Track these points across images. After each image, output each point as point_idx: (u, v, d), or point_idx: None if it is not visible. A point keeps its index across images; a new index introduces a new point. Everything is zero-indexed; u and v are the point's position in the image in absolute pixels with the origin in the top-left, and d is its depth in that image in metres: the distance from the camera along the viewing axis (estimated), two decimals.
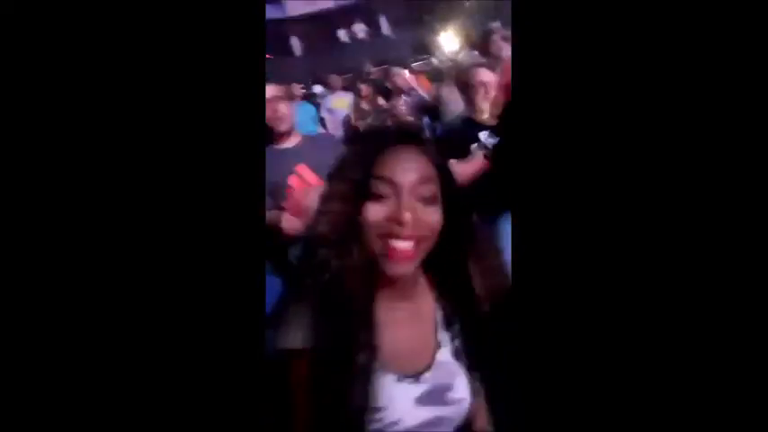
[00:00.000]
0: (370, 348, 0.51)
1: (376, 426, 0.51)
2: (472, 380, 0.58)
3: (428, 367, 0.55)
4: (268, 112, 1.40)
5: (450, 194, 0.53)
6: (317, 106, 3.25)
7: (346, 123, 2.87)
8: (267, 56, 1.49)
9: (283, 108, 1.40)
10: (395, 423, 0.52)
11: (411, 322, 0.56)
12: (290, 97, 1.54)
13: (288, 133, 1.42)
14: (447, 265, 0.56)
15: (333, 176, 0.54)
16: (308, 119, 2.83)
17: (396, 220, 0.49)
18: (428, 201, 0.51)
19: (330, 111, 3.15)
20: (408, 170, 0.51)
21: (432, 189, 0.51)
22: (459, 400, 0.56)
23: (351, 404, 0.49)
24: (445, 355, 0.57)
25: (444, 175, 0.53)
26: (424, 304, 0.59)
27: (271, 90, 1.40)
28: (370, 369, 0.51)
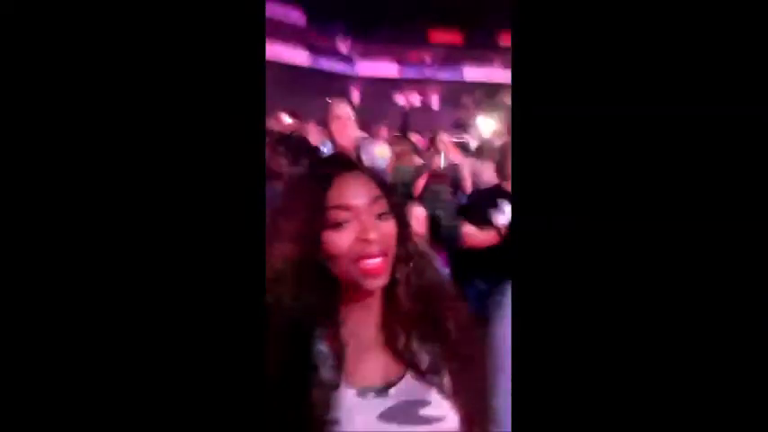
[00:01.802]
0: (334, 361, 0.52)
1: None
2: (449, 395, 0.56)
3: (397, 381, 0.54)
4: (335, 126, 1.51)
5: (395, 205, 0.57)
6: (358, 152, 3.44)
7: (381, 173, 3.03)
8: (327, 99, 1.65)
9: (351, 125, 1.53)
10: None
11: (380, 334, 0.57)
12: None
13: (347, 150, 1.55)
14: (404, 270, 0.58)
15: (282, 216, 0.55)
16: None
17: (363, 240, 0.52)
18: (383, 216, 0.54)
19: (371, 156, 3.32)
20: (359, 193, 0.54)
21: (382, 205, 0.55)
22: (435, 419, 0.54)
23: (307, 416, 0.49)
24: (418, 368, 0.56)
25: (384, 188, 0.57)
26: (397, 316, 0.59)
27: (343, 107, 1.52)
28: (331, 381, 0.51)
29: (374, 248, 0.52)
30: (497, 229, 1.79)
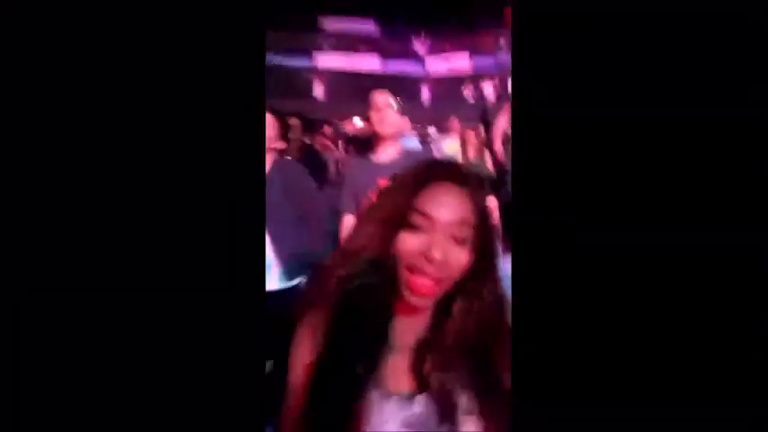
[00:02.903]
0: (371, 361, 0.51)
1: None
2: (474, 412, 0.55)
3: (424, 389, 0.54)
4: (375, 117, 1.53)
5: (484, 238, 0.54)
6: (426, 146, 3.46)
7: None
8: (395, 97, 1.65)
9: (392, 114, 1.50)
10: None
11: (416, 351, 0.56)
12: (402, 117, 1.69)
13: (389, 140, 1.52)
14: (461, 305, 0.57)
15: (379, 198, 0.56)
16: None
17: (426, 255, 0.50)
18: (460, 241, 0.52)
19: (438, 150, 3.32)
20: (447, 207, 0.52)
21: (466, 231, 0.52)
22: None
23: (335, 412, 0.50)
24: (434, 393, 0.54)
25: (482, 219, 0.54)
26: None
27: (388, 98, 1.55)
28: (365, 382, 0.51)
29: (431, 268, 0.50)
30: None
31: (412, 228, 0.52)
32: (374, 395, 0.52)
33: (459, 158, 3.07)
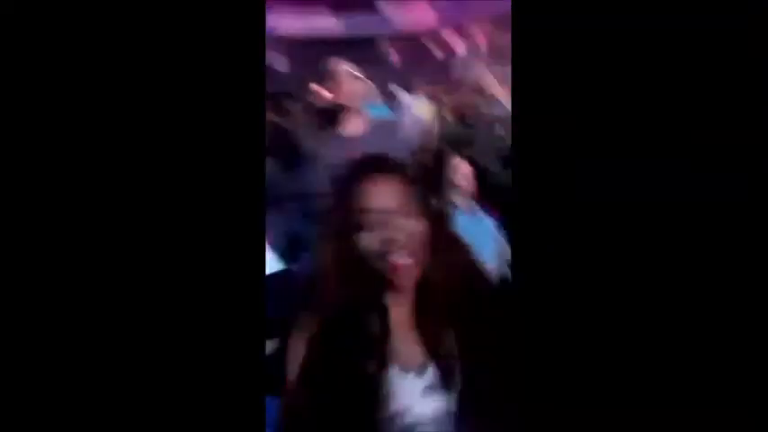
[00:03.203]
0: (382, 343, 0.56)
1: (385, 415, 0.55)
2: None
3: (431, 364, 0.58)
4: (334, 87, 1.42)
5: (427, 203, 0.59)
6: (396, 111, 3.30)
7: (425, 130, 2.87)
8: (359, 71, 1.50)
9: (352, 83, 1.38)
10: (403, 412, 0.56)
11: (414, 320, 0.60)
12: (364, 84, 1.55)
13: (355, 111, 1.42)
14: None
15: (325, 217, 0.61)
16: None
17: (390, 243, 0.55)
18: (412, 216, 0.57)
19: (410, 115, 3.19)
20: (387, 196, 0.56)
21: (412, 205, 0.57)
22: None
23: (362, 394, 0.54)
24: (447, 349, 0.59)
25: (418, 188, 0.59)
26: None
27: (344, 66, 1.43)
28: (380, 361, 0.55)
29: (401, 248, 0.55)
30: None
31: (365, 227, 0.56)
32: (392, 373, 0.56)
33: (434, 120, 2.95)
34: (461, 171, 1.79)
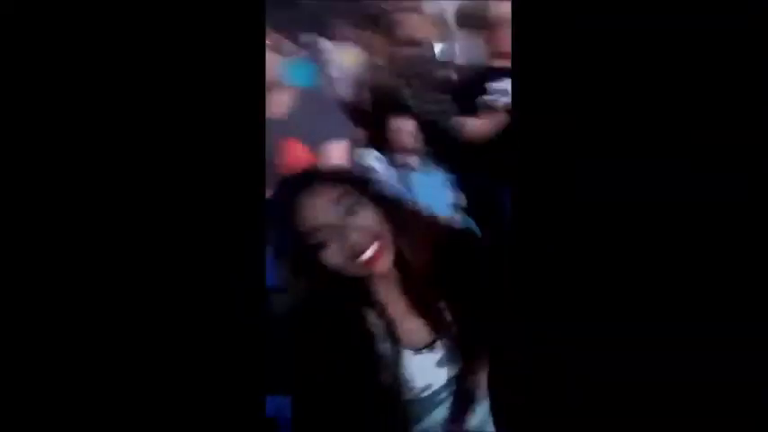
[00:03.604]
0: (387, 328, 0.58)
1: (409, 396, 0.58)
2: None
3: (438, 337, 0.61)
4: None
5: (373, 194, 0.59)
6: (321, 65, 3.00)
7: (356, 84, 2.63)
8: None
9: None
10: (425, 388, 0.59)
11: (407, 299, 0.62)
12: (277, 49, 1.35)
13: (276, 90, 1.23)
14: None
15: (280, 250, 0.59)
16: (307, 78, 2.56)
17: (351, 248, 0.55)
18: (355, 209, 0.56)
19: (337, 68, 2.91)
20: (320, 208, 0.55)
21: (350, 199, 0.56)
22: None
23: (383, 380, 0.56)
24: (446, 316, 0.62)
25: (354, 183, 0.59)
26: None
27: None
28: (392, 345, 0.57)
29: (362, 243, 0.55)
30: (497, 113, 1.57)
31: (320, 245, 0.55)
32: (407, 356, 0.58)
33: (363, 67, 2.73)
34: (404, 129, 1.69)
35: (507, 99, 1.53)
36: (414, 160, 1.68)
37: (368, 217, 0.56)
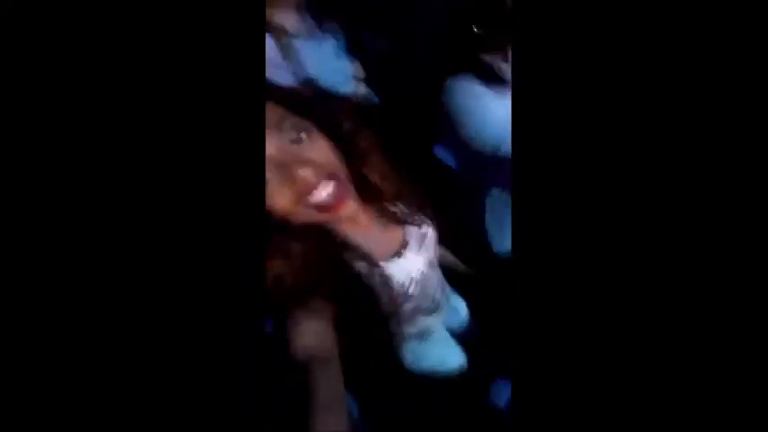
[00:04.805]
0: (360, 252, 0.53)
1: (408, 299, 0.56)
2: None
3: (405, 244, 0.59)
4: None
5: (314, 110, 0.49)
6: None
7: None
8: None
9: None
10: (413, 279, 0.57)
11: (369, 212, 0.58)
12: None
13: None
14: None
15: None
16: None
17: (301, 183, 0.45)
18: (301, 138, 0.46)
19: None
20: (268, 132, 0.45)
21: (294, 125, 0.46)
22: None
23: (379, 297, 0.54)
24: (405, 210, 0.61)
25: (300, 102, 0.49)
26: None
27: None
28: (372, 266, 0.53)
29: (313, 178, 0.45)
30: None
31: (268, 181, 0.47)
32: (389, 266, 0.55)
33: None
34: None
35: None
36: (301, 26, 1.04)
37: (323, 149, 0.47)
